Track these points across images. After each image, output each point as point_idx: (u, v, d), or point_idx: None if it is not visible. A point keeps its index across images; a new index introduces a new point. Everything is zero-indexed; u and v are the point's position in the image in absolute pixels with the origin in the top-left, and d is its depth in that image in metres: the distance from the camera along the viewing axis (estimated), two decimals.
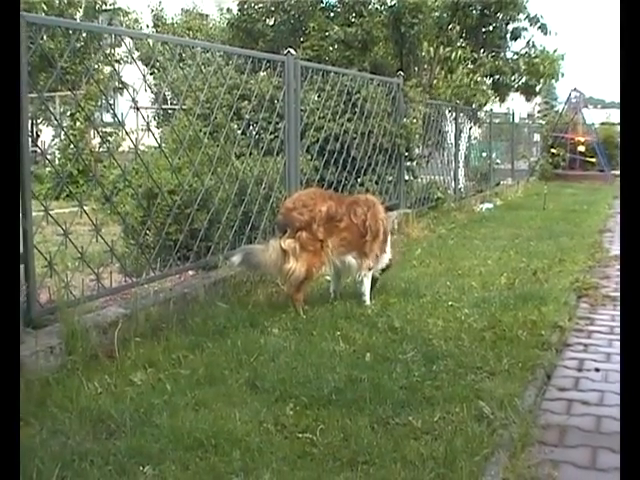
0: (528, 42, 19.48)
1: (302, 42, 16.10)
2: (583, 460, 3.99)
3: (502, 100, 20.69)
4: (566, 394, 5.01)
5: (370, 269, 7.23)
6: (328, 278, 7.54)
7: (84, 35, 21.60)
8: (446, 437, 4.05)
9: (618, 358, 5.61)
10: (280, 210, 7.13)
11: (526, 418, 4.35)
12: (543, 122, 34.81)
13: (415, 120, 12.55)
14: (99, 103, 16.96)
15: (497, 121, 23.25)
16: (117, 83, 13.77)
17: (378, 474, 3.66)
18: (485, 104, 19.00)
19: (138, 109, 6.68)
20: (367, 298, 7.16)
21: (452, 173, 16.45)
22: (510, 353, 5.54)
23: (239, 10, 17.18)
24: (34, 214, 5.24)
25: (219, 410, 4.37)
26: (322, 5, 16.89)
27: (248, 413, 4.34)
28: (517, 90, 20.28)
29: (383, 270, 7.50)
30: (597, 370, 5.48)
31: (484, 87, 18.44)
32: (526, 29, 19.13)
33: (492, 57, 18.39)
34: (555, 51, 19.49)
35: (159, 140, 7.36)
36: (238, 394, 4.68)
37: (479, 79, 17.69)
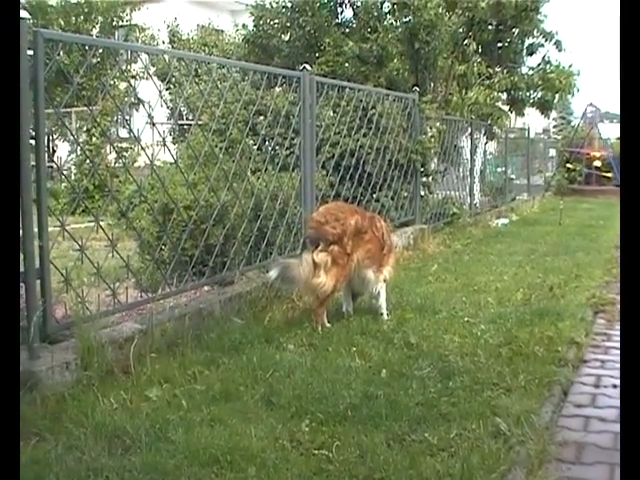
0: (544, 57, 19.48)
1: (317, 58, 16.10)
2: (600, 478, 3.95)
3: (520, 115, 20.66)
4: (583, 411, 4.98)
5: (385, 282, 7.25)
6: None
7: (100, 51, 21.71)
8: (462, 454, 4.03)
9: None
10: (309, 224, 7.12)
11: (543, 435, 4.32)
12: (559, 137, 34.82)
13: (432, 137, 12.55)
14: (115, 119, 17.04)
15: (513, 136, 23.22)
16: (133, 99, 13.82)
17: None
18: (506, 124, 18.99)
19: (154, 124, 6.69)
20: (384, 311, 7.17)
21: (468, 188, 16.43)
22: (526, 369, 5.51)
23: (254, 26, 17.19)
24: (50, 229, 5.25)
25: (235, 426, 4.36)
26: (337, 21, 16.88)
27: (264, 429, 4.33)
28: (533, 105, 20.24)
29: None
30: (614, 386, 5.42)
31: (500, 103, 18.43)
32: (542, 45, 19.13)
33: (507, 72, 18.37)
34: (570, 66, 19.48)
35: (175, 156, 7.37)
36: (254, 410, 4.67)
37: (495, 95, 17.67)
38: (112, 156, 16.00)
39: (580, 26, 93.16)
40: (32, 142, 5.13)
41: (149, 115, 6.60)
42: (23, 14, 4.94)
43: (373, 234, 7.17)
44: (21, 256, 4.95)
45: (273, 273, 6.60)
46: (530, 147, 25.31)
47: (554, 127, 54.91)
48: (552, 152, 32.30)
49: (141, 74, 20.32)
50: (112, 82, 19.02)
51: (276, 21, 16.84)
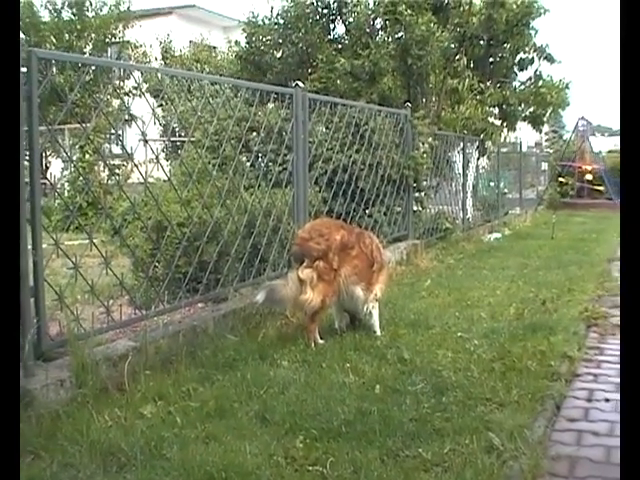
0: (535, 72, 19.58)
1: (310, 74, 16.16)
2: None
3: (512, 129, 20.71)
4: (576, 425, 4.98)
5: (377, 300, 7.24)
6: None
7: (93, 68, 21.76)
8: (456, 469, 4.04)
9: None
10: (295, 241, 7.12)
11: (536, 449, 4.33)
12: (551, 151, 34.90)
13: (424, 152, 12.57)
14: (108, 136, 17.05)
15: (505, 150, 23.28)
16: (126, 116, 13.81)
17: None
18: (498, 139, 19.04)
19: (147, 141, 6.72)
20: (377, 329, 7.16)
21: (460, 203, 16.46)
22: (519, 384, 5.52)
23: (247, 43, 17.25)
24: (44, 246, 5.27)
25: (229, 443, 4.37)
26: (329, 38, 16.95)
27: (258, 446, 4.33)
28: (524, 119, 20.32)
29: None
30: (607, 400, 5.44)
31: (492, 118, 18.49)
32: (533, 60, 19.22)
33: (499, 87, 18.47)
34: (561, 81, 19.57)
35: (168, 172, 7.39)
36: (248, 427, 4.67)
37: (487, 110, 17.76)
38: (105, 173, 16.01)
39: (571, 39, 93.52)
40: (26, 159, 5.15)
41: (142, 132, 6.62)
42: None
43: (361, 250, 7.13)
44: None
45: (260, 297, 6.59)
46: (522, 161, 25.38)
47: (546, 141, 55.02)
48: (544, 166, 32.36)
49: (134, 91, 20.33)
50: (105, 99, 19.03)
51: (268, 38, 16.91)
